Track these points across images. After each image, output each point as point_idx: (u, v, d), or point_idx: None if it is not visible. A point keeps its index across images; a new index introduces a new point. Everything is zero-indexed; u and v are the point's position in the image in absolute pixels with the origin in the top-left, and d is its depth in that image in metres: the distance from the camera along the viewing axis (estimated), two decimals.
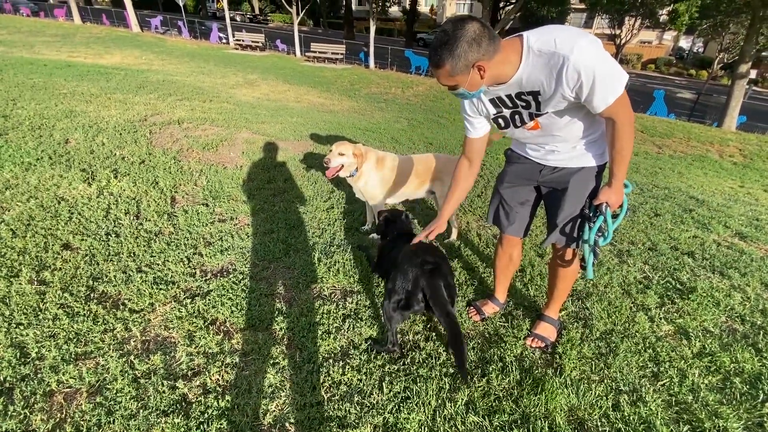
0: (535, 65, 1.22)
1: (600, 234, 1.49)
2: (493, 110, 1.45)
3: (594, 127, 1.41)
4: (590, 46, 1.15)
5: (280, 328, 1.80)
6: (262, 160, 3.95)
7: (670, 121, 10.68)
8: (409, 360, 1.68)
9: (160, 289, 1.99)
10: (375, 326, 1.87)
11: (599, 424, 1.47)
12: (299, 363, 1.63)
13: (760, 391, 1.67)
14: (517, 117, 1.43)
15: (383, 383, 1.56)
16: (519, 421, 1.44)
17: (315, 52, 15.13)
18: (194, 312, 1.86)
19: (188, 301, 1.92)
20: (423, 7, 41.50)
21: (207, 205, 2.89)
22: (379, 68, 14.66)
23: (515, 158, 1.69)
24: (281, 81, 10.40)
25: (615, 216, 1.52)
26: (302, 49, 16.42)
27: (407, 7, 28.71)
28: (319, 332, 1.79)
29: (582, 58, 1.14)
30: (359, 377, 1.58)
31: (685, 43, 36.13)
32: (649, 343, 1.91)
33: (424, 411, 1.45)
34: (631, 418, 1.50)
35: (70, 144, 3.69)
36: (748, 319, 2.18)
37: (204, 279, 2.10)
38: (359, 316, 1.92)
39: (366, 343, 1.75)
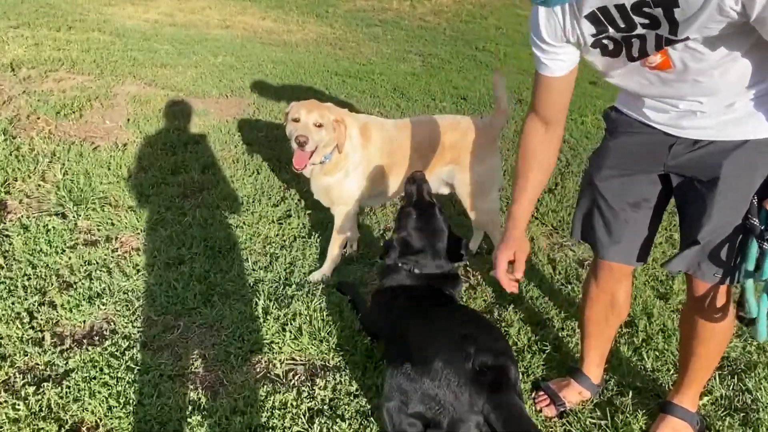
0: None
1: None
2: (591, 29, 1.45)
3: (765, 72, 1.41)
4: None
5: None
6: (162, 133, 3.98)
7: None
8: None
9: None
10: (364, 427, 1.87)
11: None
12: None
13: None
14: (634, 43, 1.43)
15: None
16: None
17: None
18: (41, 410, 1.85)
19: (30, 390, 1.91)
20: None
21: (64, 216, 2.91)
22: None
23: (625, 126, 1.70)
24: None
25: None
26: None
27: None
28: None
29: None
30: None
31: None
32: None
33: None
34: None
35: None
36: None
37: (59, 350, 2.10)
38: (338, 411, 1.92)
39: None
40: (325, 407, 1.94)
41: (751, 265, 1.49)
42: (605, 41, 1.48)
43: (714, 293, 1.65)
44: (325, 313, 2.37)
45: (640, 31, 1.38)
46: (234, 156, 3.75)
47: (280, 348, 2.18)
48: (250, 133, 4.11)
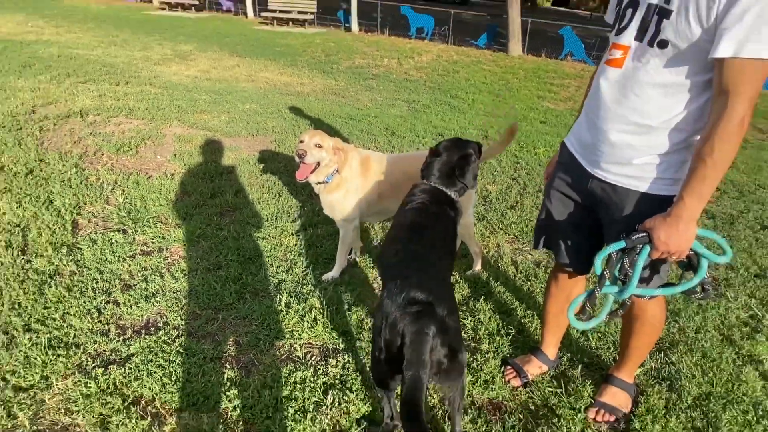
0: None
1: (614, 274, 1.41)
2: None
3: (681, 119, 1.34)
4: None
5: (233, 407, 1.80)
6: (202, 165, 3.99)
7: None
8: None
9: (59, 354, 1.97)
10: (371, 398, 1.87)
11: None
12: None
13: None
14: (628, 10, 1.36)
15: None
16: None
17: (275, 11, 15.43)
18: (108, 387, 1.85)
19: (99, 371, 1.91)
20: None
21: (125, 232, 2.90)
22: (365, 32, 14.95)
23: (565, 155, 1.70)
24: (227, 53, 10.57)
25: (670, 283, 1.44)
26: (256, 7, 16.74)
27: None
28: (291, 411, 1.78)
29: None
30: None
31: None
32: (763, 410, 1.92)
33: None
34: None
35: None
36: None
37: (122, 339, 2.10)
38: (347, 384, 1.92)
39: (359, 426, 1.73)
40: (337, 381, 1.95)
41: (597, 270, 1.46)
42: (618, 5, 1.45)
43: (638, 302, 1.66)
44: (335, 307, 2.38)
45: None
46: (260, 182, 3.77)
47: (300, 335, 2.18)
48: (273, 164, 4.12)
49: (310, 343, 2.15)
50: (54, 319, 2.17)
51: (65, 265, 2.55)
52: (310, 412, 1.79)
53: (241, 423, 1.74)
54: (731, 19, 1.10)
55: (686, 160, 1.36)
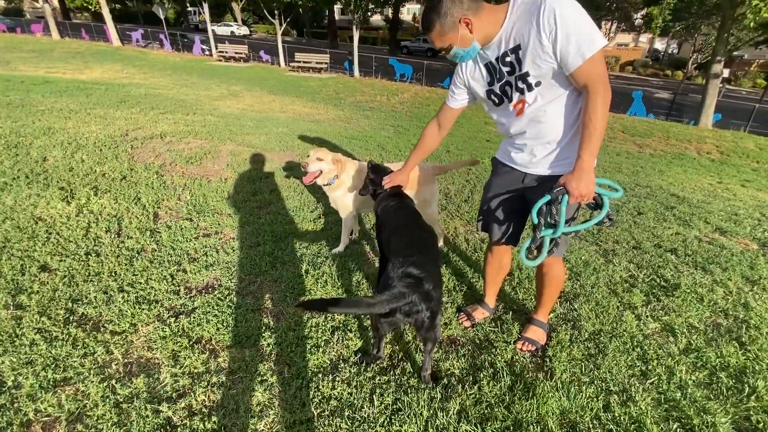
0: (519, 16, 1.28)
1: (546, 221, 1.40)
2: (487, 77, 1.46)
3: (572, 121, 1.39)
4: None
5: (268, 344, 1.77)
6: (247, 172, 3.92)
7: (649, 121, 10.95)
8: (399, 371, 1.67)
9: (143, 308, 1.93)
10: (365, 338, 1.85)
11: (591, 426, 1.47)
12: (288, 379, 1.60)
13: (746, 385, 1.70)
14: (507, 89, 1.43)
15: (374, 396, 1.53)
16: (512, 428, 1.43)
17: (299, 62, 15.16)
18: (178, 331, 1.81)
19: (172, 320, 1.87)
20: (405, 16, 42.02)
21: (191, 220, 2.84)
22: (364, 76, 14.75)
23: (499, 168, 1.69)
24: (266, 92, 10.38)
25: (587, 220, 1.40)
26: (286, 59, 16.44)
27: (389, 15, 29.03)
28: (308, 346, 1.76)
29: (559, 2, 1.20)
30: (349, 391, 1.56)
31: (660, 45, 37.25)
32: (636, 341, 1.92)
33: (416, 422, 1.43)
34: (621, 418, 1.50)
35: (48, 162, 3.61)
36: (731, 313, 2.22)
37: (188, 296, 2.06)
38: (348, 327, 1.90)
39: (355, 356, 1.72)
40: (340, 325, 1.92)
41: (534, 220, 1.44)
42: (493, 96, 1.49)
43: (553, 259, 1.67)
44: (341, 272, 2.34)
45: (507, 77, 1.39)
46: (287, 184, 3.70)
47: (315, 292, 2.15)
48: (297, 171, 4.06)
49: (322, 298, 2.12)
50: (140, 283, 2.12)
51: (148, 244, 2.50)
52: (321, 346, 1.77)
53: (273, 355, 1.72)
54: (564, 46, 1.22)
55: (574, 143, 1.41)
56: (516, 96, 1.42)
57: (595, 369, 1.74)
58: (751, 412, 1.57)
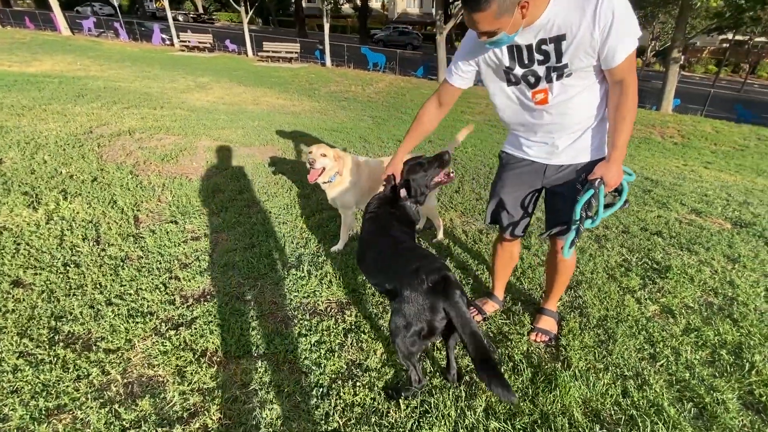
0: (568, 3, 1.18)
1: (587, 214, 1.40)
2: (506, 62, 1.35)
3: (597, 110, 1.38)
4: None
5: (279, 352, 1.68)
6: (229, 169, 3.72)
7: None
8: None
9: (137, 322, 1.79)
10: (379, 340, 1.79)
11: (613, 412, 1.49)
12: (306, 388, 1.52)
13: (745, 361, 1.78)
14: (530, 77, 1.34)
15: (401, 398, 1.48)
16: (539, 421, 1.43)
17: (268, 51, 14.62)
18: (180, 344, 1.69)
19: (172, 332, 1.74)
20: (374, 3, 41.33)
21: (176, 223, 2.66)
22: (336, 66, 14.43)
23: (514, 162, 1.64)
24: (235, 83, 9.94)
25: (609, 205, 1.41)
26: (254, 48, 15.80)
27: (359, 3, 28.46)
28: (323, 351, 1.69)
29: None
30: (372, 396, 1.50)
31: None
32: (641, 325, 1.97)
33: (446, 424, 1.40)
34: (640, 403, 1.53)
35: (5, 164, 3.28)
36: (719, 291, 2.32)
37: (186, 306, 1.92)
38: (361, 329, 1.84)
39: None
40: (353, 327, 1.85)
41: (576, 216, 1.44)
42: (511, 76, 1.41)
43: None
44: (344, 271, 2.26)
45: (536, 66, 1.32)
46: (274, 180, 3.55)
47: (320, 294, 2.06)
48: (282, 167, 3.90)
49: (329, 300, 2.04)
50: (130, 294, 1.96)
51: (133, 251, 2.31)
52: (336, 351, 1.70)
53: (286, 363, 1.63)
54: (614, 41, 1.18)
55: (599, 133, 1.45)
56: (540, 84, 1.35)
57: (608, 355, 1.77)
58: (754, 387, 1.64)
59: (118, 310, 1.85)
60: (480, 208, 3.27)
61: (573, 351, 1.76)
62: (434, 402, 1.47)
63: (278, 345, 1.70)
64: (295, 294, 2.05)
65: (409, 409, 1.45)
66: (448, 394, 1.50)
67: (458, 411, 1.45)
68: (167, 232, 2.52)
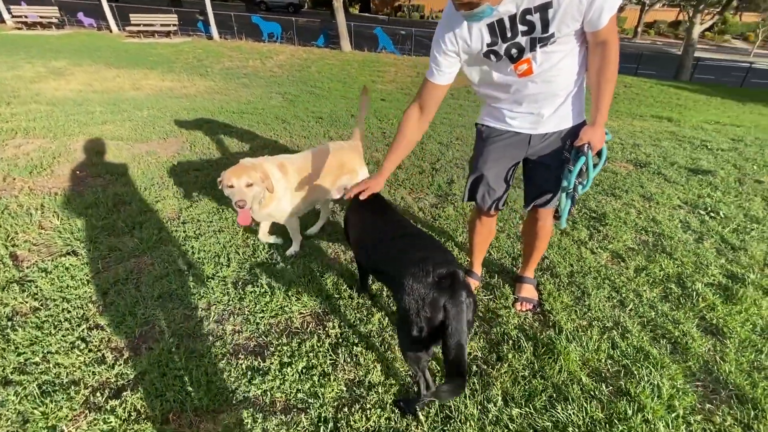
0: None
1: (579, 180, 1.41)
2: (487, 39, 1.26)
3: (578, 74, 1.35)
4: None
5: (264, 392, 1.41)
6: (128, 173, 3.06)
7: None
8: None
9: (57, 399, 1.35)
10: (373, 349, 1.62)
11: (609, 366, 1.56)
12: (310, 428, 1.30)
13: (690, 290, 2.01)
14: (513, 50, 1.26)
15: (417, 411, 1.35)
16: (555, 395, 1.43)
17: (139, 25, 12.40)
18: (130, 414, 1.31)
19: (113, 402, 1.34)
20: None
21: (76, 254, 2.09)
22: (225, 38, 12.90)
23: (496, 135, 1.54)
24: (103, 65, 8.26)
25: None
26: (118, 22, 13.29)
27: None
28: (315, 378, 1.46)
29: None
30: (386, 415, 1.34)
31: None
32: (602, 274, 2.11)
33: (471, 425, 1.31)
34: (628, 351, 1.63)
35: None
36: (648, 229, 2.60)
37: (122, 361, 1.51)
38: (350, 339, 1.64)
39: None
40: (341, 339, 1.65)
41: (565, 182, 1.45)
42: (492, 55, 1.30)
43: (548, 211, 1.64)
44: (309, 277, 2.00)
45: (519, 38, 1.23)
46: (192, 181, 3.00)
47: (291, 309, 1.79)
48: (197, 163, 3.34)
49: (302, 314, 1.78)
50: (36, 364, 1.47)
51: (23, 303, 1.75)
52: (330, 373, 1.49)
53: (278, 404, 1.38)
54: (600, 3, 1.14)
55: (579, 98, 1.42)
56: (524, 55, 1.27)
57: (588, 310, 1.85)
58: (704, 312, 1.87)
59: (24, 389, 1.37)
60: (426, 181, 3.19)
61: (558, 314, 1.80)
62: (453, 404, 1.37)
63: (259, 384, 1.43)
64: (261, 315, 1.75)
65: (430, 419, 1.33)
66: (465, 392, 1.42)
67: (479, 407, 1.37)
68: (67, 269, 1.96)
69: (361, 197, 1.50)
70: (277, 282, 1.94)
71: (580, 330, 1.73)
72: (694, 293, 1.98)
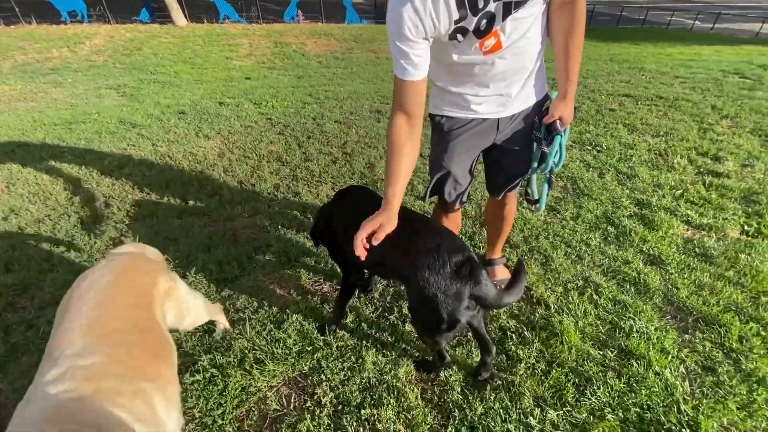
0: None
1: (553, 161, 1.34)
2: (455, 15, 1.01)
3: (542, 44, 1.20)
4: None
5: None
6: None
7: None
8: (438, 389, 1.31)
9: None
10: (386, 406, 1.34)
11: (601, 327, 1.59)
12: None
13: (620, 227, 2.20)
14: (483, 21, 1.03)
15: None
16: (578, 381, 1.38)
17: None
18: None
19: None
20: None
21: None
22: (7, 25, 9.59)
23: (461, 126, 1.33)
24: None
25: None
26: None
27: None
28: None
29: None
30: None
31: None
32: (553, 233, 2.16)
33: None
34: (608, 306, 1.68)
35: None
36: (560, 174, 2.78)
37: None
38: (351, 401, 1.32)
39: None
40: (340, 405, 1.31)
41: (535, 164, 1.38)
42: (458, 34, 1.07)
43: (514, 193, 1.57)
44: (262, 338, 1.56)
45: (490, 7, 1.01)
46: (29, 239, 2.11)
47: (257, 386, 1.36)
48: (15, 206, 2.37)
49: (273, 386, 1.37)
50: None
51: None
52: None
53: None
54: None
55: (541, 70, 1.29)
56: (493, 26, 1.05)
57: (558, 274, 1.86)
58: (640, 245, 2.06)
59: None
60: (345, 170, 2.86)
61: (538, 290, 1.77)
62: (486, 424, 1.21)
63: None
64: (219, 412, 1.29)
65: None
66: (492, 403, 1.27)
67: (520, 425, 1.24)
68: None
69: (374, 242, 1.12)
70: (223, 356, 1.46)
71: (562, 299, 1.72)
72: (626, 229, 2.17)
